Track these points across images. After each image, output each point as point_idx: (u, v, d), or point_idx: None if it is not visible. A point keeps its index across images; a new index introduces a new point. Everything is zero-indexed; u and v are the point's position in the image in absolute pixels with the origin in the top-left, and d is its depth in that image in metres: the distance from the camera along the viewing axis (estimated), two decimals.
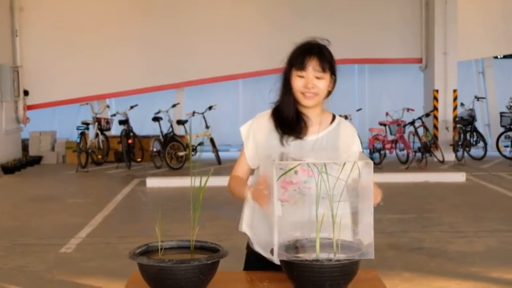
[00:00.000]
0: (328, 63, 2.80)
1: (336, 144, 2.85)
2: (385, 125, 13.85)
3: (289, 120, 2.83)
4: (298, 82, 2.79)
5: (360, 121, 15.01)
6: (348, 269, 2.43)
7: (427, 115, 14.38)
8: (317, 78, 2.78)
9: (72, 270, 6.20)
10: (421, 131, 13.78)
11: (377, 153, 13.33)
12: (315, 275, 2.39)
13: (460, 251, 6.74)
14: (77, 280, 5.78)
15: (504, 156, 14.46)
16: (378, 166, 12.98)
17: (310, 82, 2.77)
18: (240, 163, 2.97)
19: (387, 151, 13.52)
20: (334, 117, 2.93)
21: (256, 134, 2.90)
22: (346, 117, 13.65)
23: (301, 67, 2.77)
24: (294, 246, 2.58)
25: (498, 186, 10.95)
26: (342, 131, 2.89)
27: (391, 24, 15.36)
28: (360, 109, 14.34)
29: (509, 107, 14.82)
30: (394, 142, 13.64)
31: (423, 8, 15.15)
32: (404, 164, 13.30)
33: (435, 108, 14.70)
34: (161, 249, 2.56)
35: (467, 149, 14.32)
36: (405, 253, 6.70)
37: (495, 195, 10.31)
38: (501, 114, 15.11)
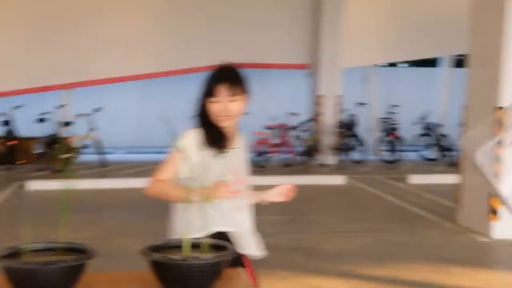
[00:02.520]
0: (239, 85, 3.06)
1: (243, 153, 3.26)
2: (270, 128, 14.17)
3: (214, 137, 3.10)
4: (212, 108, 3.05)
5: (246, 125, 15.26)
6: (214, 268, 2.53)
7: (311, 119, 14.81)
8: (230, 101, 3.03)
9: None
10: (305, 135, 14.20)
11: (262, 156, 13.62)
12: (182, 274, 2.48)
13: (335, 250, 7.05)
14: None
15: (382, 160, 15.12)
16: (262, 169, 13.26)
17: (223, 108, 3.04)
18: (169, 168, 3.13)
19: (272, 154, 13.84)
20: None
21: (192, 155, 3.09)
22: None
23: (213, 94, 3.03)
24: (161, 246, 2.68)
25: (375, 188, 11.45)
26: (243, 141, 3.29)
27: (279, 30, 15.69)
28: (247, 113, 14.58)
29: (388, 113, 15.51)
30: (279, 145, 13.98)
31: (312, 16, 15.57)
32: (288, 167, 13.65)
33: (319, 113, 15.15)
34: (27, 251, 2.57)
35: (348, 153, 14.86)
36: (283, 253, 6.93)
37: (371, 197, 10.78)
38: (381, 120, 15.80)
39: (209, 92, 3.05)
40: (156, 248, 2.65)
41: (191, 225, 3.03)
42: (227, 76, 3.05)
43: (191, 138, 3.12)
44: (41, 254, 2.60)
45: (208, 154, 3.10)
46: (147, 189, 3.11)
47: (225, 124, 3.09)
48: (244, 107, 3.14)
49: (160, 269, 2.52)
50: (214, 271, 2.55)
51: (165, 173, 3.13)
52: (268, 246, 6.97)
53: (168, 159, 3.15)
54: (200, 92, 3.11)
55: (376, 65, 17.67)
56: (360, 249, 7.16)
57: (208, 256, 2.52)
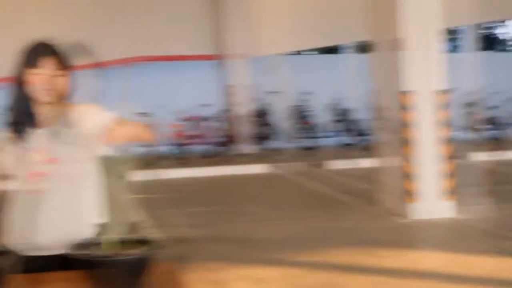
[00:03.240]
0: (64, 61, 2.82)
1: (69, 132, 2.85)
2: (185, 120, 13.99)
3: (22, 116, 2.83)
4: (34, 80, 2.77)
5: (160, 118, 14.98)
6: (138, 264, 2.38)
7: (225, 110, 14.73)
8: (55, 76, 2.78)
9: None
10: (219, 125, 14.10)
11: (180, 148, 13.44)
12: (107, 270, 2.33)
13: (264, 238, 6.96)
14: None
15: (299, 147, 15.17)
16: (182, 161, 13.09)
17: (47, 78, 2.77)
18: None
19: (189, 146, 13.67)
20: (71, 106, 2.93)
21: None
22: (146, 114, 13.63)
23: (36, 65, 2.76)
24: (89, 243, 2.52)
25: (295, 175, 11.47)
26: (77, 114, 2.87)
27: (184, 21, 15.49)
28: (160, 106, 14.36)
29: (300, 101, 15.60)
30: (196, 136, 13.82)
31: (216, 5, 15.46)
32: (207, 158, 13.52)
33: (232, 103, 15.07)
34: None
35: (265, 141, 14.84)
36: (213, 244, 6.80)
37: (293, 184, 10.79)
38: (294, 108, 15.86)
39: (32, 63, 2.78)
40: (83, 245, 2.49)
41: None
42: (53, 50, 2.82)
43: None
44: None
45: (17, 136, 2.84)
46: None
47: (46, 98, 2.80)
48: (69, 85, 2.87)
49: (87, 266, 2.36)
50: (140, 267, 2.40)
51: None
52: (198, 238, 6.91)
53: None
54: (19, 63, 2.83)
55: (285, 54, 17.72)
56: (288, 236, 7.09)
57: (132, 252, 2.37)
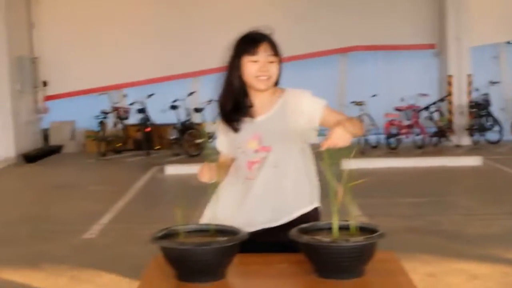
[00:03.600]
0: (276, 48, 2.95)
1: (286, 117, 2.97)
2: (400, 110, 13.89)
3: (234, 106, 2.98)
4: (251, 67, 2.91)
5: (375, 107, 15.01)
6: (365, 250, 2.50)
7: (442, 100, 14.40)
8: (269, 62, 2.91)
9: (95, 255, 6.34)
10: (436, 116, 13.82)
11: (393, 138, 13.39)
12: (333, 256, 2.47)
13: (477, 234, 6.81)
14: (103, 265, 5.92)
15: None
16: (394, 151, 13.06)
17: (264, 65, 2.90)
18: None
19: (403, 136, 13.57)
20: (283, 91, 3.04)
21: (222, 135, 3.10)
22: (361, 103, 13.73)
23: (254, 52, 2.89)
24: (311, 228, 2.69)
25: None
26: (290, 99, 2.99)
27: (404, 10, 15.36)
28: (375, 95, 14.37)
29: None
30: (410, 126, 13.68)
31: None
32: (420, 149, 13.35)
33: (450, 93, 14.70)
34: (181, 232, 2.65)
35: (483, 133, 14.32)
36: (423, 236, 6.78)
37: (511, 178, 10.34)
38: None
39: (248, 51, 2.91)
40: (305, 230, 2.67)
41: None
42: (267, 37, 2.95)
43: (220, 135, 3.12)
44: (195, 235, 2.69)
45: (234, 126, 3.00)
46: None
47: (262, 86, 2.93)
48: (279, 72, 2.98)
49: (311, 251, 2.53)
50: (364, 254, 2.53)
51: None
52: (407, 229, 6.95)
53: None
54: (235, 52, 2.96)
55: (508, 42, 16.88)
56: (504, 233, 6.87)
57: (358, 239, 2.50)
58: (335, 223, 2.59)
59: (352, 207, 2.56)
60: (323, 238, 2.52)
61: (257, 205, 2.97)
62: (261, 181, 2.96)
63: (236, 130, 2.98)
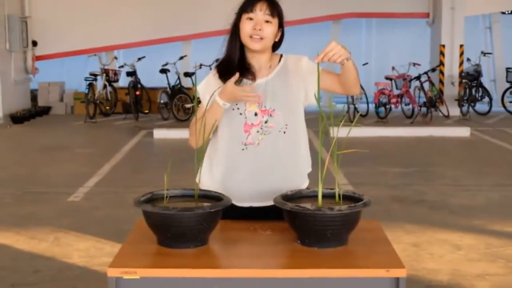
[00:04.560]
0: (277, 10, 2.87)
1: (287, 80, 2.91)
2: (391, 79, 13.86)
3: (234, 66, 2.88)
4: (246, 25, 2.84)
5: (366, 76, 15.00)
6: (350, 219, 2.48)
7: (433, 70, 14.37)
8: (266, 22, 2.84)
9: (79, 218, 6.33)
10: (426, 86, 13.80)
11: (383, 107, 13.37)
12: (317, 224, 2.45)
13: (462, 204, 6.84)
14: (86, 228, 5.92)
15: (509, 112, 14.54)
16: (383, 120, 13.06)
17: (258, 24, 2.82)
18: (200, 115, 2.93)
19: (393, 106, 13.55)
20: (281, 57, 2.98)
21: (212, 91, 2.90)
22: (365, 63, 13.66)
23: (251, 9, 2.83)
24: (295, 196, 2.67)
25: (502, 141, 11.02)
26: (290, 63, 2.95)
27: None
28: (366, 63, 14.34)
29: None
30: (400, 96, 13.66)
31: None
32: (409, 119, 13.36)
33: (441, 63, 14.68)
34: (166, 197, 2.63)
35: (472, 104, 14.35)
36: (408, 206, 6.81)
37: (499, 150, 10.39)
38: (507, 70, 15.11)
39: (246, 7, 2.84)
40: (289, 198, 2.66)
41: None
42: None
43: (212, 79, 2.95)
44: (179, 200, 2.66)
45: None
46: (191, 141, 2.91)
47: (255, 46, 2.84)
48: (277, 39, 2.91)
49: (295, 218, 2.52)
50: (348, 222, 2.52)
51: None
52: (392, 198, 6.98)
53: (199, 109, 2.95)
54: (238, 10, 2.90)
55: (502, 12, 16.84)
56: (489, 204, 6.91)
57: (342, 207, 2.49)
58: (320, 191, 2.58)
59: (338, 176, 2.55)
60: (307, 206, 2.51)
61: (268, 174, 2.90)
62: (269, 148, 2.87)
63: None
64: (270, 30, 2.85)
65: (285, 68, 2.94)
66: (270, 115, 2.87)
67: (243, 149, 2.88)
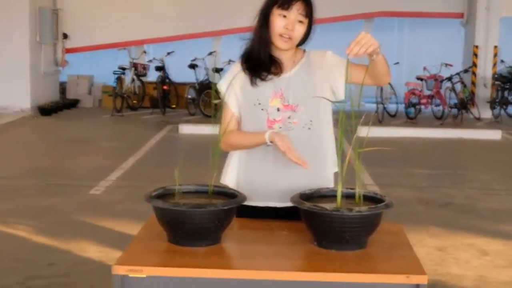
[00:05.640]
0: (311, 9, 2.73)
1: (311, 74, 2.78)
2: (422, 79, 13.63)
3: (261, 59, 2.76)
4: (279, 23, 2.69)
5: (397, 75, 14.77)
6: (369, 221, 2.36)
7: (466, 71, 14.12)
8: (299, 22, 2.70)
9: (100, 212, 6.27)
10: (458, 87, 13.55)
11: (413, 108, 13.16)
12: (335, 225, 2.33)
13: (490, 209, 6.65)
14: (104, 222, 5.85)
15: None
16: (413, 121, 12.85)
17: (291, 24, 2.68)
18: (229, 118, 2.83)
19: (423, 106, 13.34)
20: (305, 52, 2.85)
21: (235, 86, 2.80)
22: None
23: (287, 6, 2.68)
24: (313, 195, 2.56)
25: None
26: (313, 58, 2.81)
27: None
28: (397, 63, 14.12)
29: None
30: (430, 97, 13.44)
31: None
32: (439, 120, 13.12)
33: (474, 64, 14.41)
34: (178, 192, 2.53)
35: (505, 107, 14.06)
36: (434, 208, 6.64)
37: None
38: None
39: (283, 3, 2.67)
40: (308, 197, 2.54)
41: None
42: None
43: (235, 72, 2.81)
44: (192, 196, 2.56)
45: (253, 80, 2.76)
46: (222, 145, 2.75)
47: (284, 46, 2.70)
48: (305, 35, 2.75)
49: (312, 219, 2.40)
50: (368, 225, 2.39)
51: (229, 125, 2.82)
52: (418, 200, 6.81)
53: (225, 110, 2.84)
54: (268, 1, 2.73)
55: None
56: None
57: (362, 208, 2.36)
58: (339, 190, 2.45)
59: (361, 175, 2.42)
60: (325, 206, 2.39)
61: (290, 173, 2.75)
62: (295, 145, 2.65)
63: (256, 83, 2.76)
64: (301, 31, 2.72)
65: (309, 62, 2.81)
66: (294, 111, 2.74)
67: (267, 146, 2.72)
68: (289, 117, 2.74)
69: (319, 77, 2.78)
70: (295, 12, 2.68)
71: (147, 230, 2.60)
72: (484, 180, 8.05)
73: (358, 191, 2.49)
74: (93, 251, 5.08)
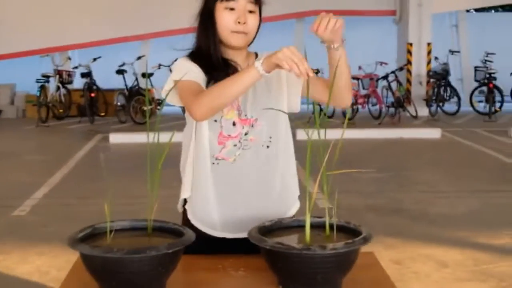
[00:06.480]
0: None
1: (269, 83, 2.32)
2: (357, 79, 13.42)
3: (216, 66, 2.25)
4: (227, 18, 2.22)
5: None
6: (345, 259, 1.95)
7: (401, 69, 13.99)
8: (249, 12, 2.25)
9: (25, 236, 5.68)
10: (394, 85, 13.39)
11: (349, 108, 12.90)
12: (305, 266, 1.91)
13: (442, 213, 6.36)
14: (31, 247, 5.28)
15: (478, 112, 14.20)
16: (351, 122, 12.60)
17: (242, 16, 2.22)
18: (194, 85, 2.20)
19: (360, 106, 13.13)
20: (257, 55, 2.39)
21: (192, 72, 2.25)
22: (317, 71, 13.17)
23: None
24: (274, 227, 2.13)
25: (473, 142, 10.64)
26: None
27: None
28: None
29: (483, 61, 14.46)
30: (367, 96, 13.24)
31: None
32: (377, 120, 12.93)
33: (409, 62, 14.31)
34: (110, 231, 2.05)
35: (441, 104, 14.00)
36: (385, 216, 6.30)
37: (471, 152, 9.99)
38: (476, 69, 14.78)
39: None
40: (268, 230, 2.10)
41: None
42: None
43: (190, 65, 2.26)
44: (128, 235, 2.09)
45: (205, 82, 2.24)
46: (195, 110, 2.13)
47: (238, 42, 2.25)
48: (258, 25, 2.30)
49: (277, 259, 1.96)
50: (343, 263, 1.98)
51: (196, 89, 2.18)
52: (368, 207, 6.46)
53: (185, 81, 2.20)
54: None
55: (467, 10, 16.57)
56: (470, 212, 6.44)
57: (337, 245, 1.93)
58: (308, 222, 2.03)
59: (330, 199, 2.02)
60: (291, 243, 1.95)
61: (244, 198, 2.32)
62: (247, 166, 2.29)
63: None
64: (254, 22, 2.27)
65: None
66: (252, 126, 2.29)
67: (213, 163, 2.29)
68: (246, 134, 2.29)
69: (277, 87, 2.35)
70: (243, 2, 2.23)
71: (72, 279, 2.11)
72: (430, 182, 7.80)
73: (329, 220, 2.08)
74: (18, 283, 4.52)
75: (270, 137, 2.32)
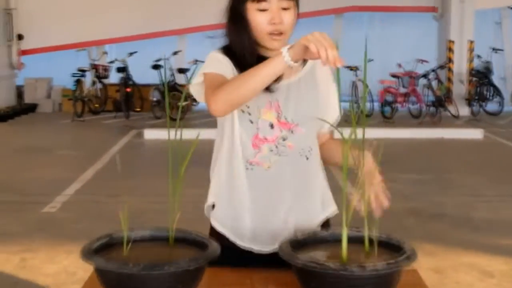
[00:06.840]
0: None
1: (316, 87, 2.13)
2: (397, 77, 13.11)
3: (250, 63, 2.01)
4: (260, 20, 2.01)
5: (370, 73, 14.22)
6: (386, 281, 1.74)
7: (441, 67, 13.62)
8: (283, 9, 2.03)
9: (54, 233, 5.56)
10: (434, 84, 13.05)
11: (388, 107, 12.64)
12: (341, 287, 1.71)
13: (485, 219, 6.08)
14: (60, 245, 5.16)
15: None
16: (390, 121, 12.32)
17: (277, 16, 2.01)
18: (217, 77, 2.01)
19: (399, 105, 12.81)
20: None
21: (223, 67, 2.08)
22: (356, 68, 12.90)
23: None
24: (307, 241, 1.93)
25: None
26: (319, 72, 2.15)
27: None
28: (370, 60, 13.57)
29: None
30: (406, 95, 12.92)
31: None
32: (417, 119, 12.61)
33: (450, 60, 13.93)
34: (127, 242, 1.87)
35: (483, 103, 13.60)
36: (426, 221, 6.04)
37: None
38: None
39: None
40: (300, 244, 1.90)
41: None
42: None
43: (221, 58, 2.08)
44: (148, 246, 1.91)
45: None
46: (210, 103, 1.94)
47: (276, 45, 2.02)
48: (295, 21, 2.07)
49: (310, 278, 1.76)
50: (384, 285, 1.76)
51: (220, 81, 1.99)
52: (408, 211, 6.20)
53: (206, 78, 2.04)
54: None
55: (511, 7, 16.11)
56: None
57: (378, 265, 1.72)
58: (345, 237, 1.82)
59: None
60: (326, 262, 1.74)
61: (277, 210, 2.12)
62: (283, 175, 2.09)
63: None
64: (290, 19, 2.04)
65: (313, 71, 2.14)
66: (291, 131, 2.08)
67: (247, 169, 2.09)
68: (284, 139, 2.08)
69: (325, 95, 2.14)
70: (275, 0, 2.02)
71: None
72: (473, 185, 7.50)
73: (368, 235, 1.87)
74: (43, 284, 4.39)
75: (310, 147, 2.12)
